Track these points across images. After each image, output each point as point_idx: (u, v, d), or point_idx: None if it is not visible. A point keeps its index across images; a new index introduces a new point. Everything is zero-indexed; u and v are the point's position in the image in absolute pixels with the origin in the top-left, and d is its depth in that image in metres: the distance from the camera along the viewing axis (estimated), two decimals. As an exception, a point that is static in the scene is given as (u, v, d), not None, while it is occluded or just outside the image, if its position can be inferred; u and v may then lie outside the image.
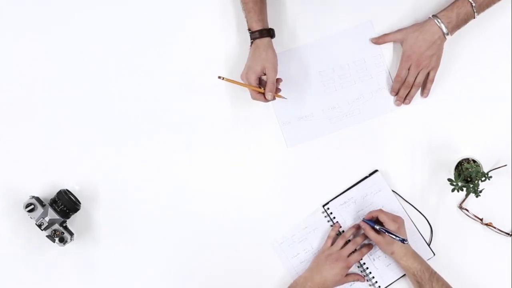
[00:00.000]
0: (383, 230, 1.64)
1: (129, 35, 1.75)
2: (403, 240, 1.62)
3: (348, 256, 1.68)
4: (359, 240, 1.70)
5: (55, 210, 1.66)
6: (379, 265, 1.72)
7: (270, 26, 1.68)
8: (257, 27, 1.65)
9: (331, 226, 1.74)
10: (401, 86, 1.74)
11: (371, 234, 1.67)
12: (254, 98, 1.68)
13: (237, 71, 1.68)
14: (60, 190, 1.69)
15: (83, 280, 1.73)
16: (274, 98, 1.65)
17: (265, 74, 1.65)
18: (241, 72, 1.67)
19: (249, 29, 1.67)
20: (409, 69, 1.71)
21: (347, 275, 1.69)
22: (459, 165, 1.68)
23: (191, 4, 1.75)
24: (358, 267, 1.73)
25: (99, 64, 1.74)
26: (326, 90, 1.75)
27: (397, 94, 1.75)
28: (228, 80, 1.65)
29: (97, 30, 1.75)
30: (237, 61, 1.73)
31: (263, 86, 1.65)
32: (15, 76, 1.75)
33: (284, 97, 1.71)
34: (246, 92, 1.72)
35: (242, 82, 1.67)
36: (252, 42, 1.66)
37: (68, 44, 1.75)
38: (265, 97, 1.65)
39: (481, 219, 1.72)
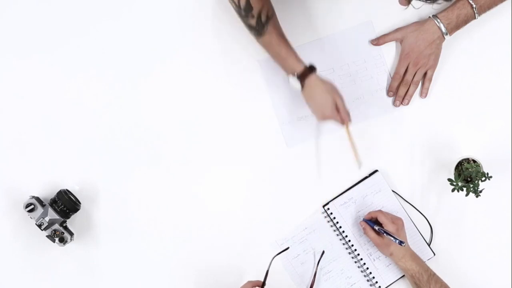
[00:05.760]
0: (382, 231, 1.64)
1: (131, 43, 1.75)
2: (400, 243, 1.62)
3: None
4: None
5: (55, 210, 1.66)
6: (379, 265, 1.72)
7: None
8: (300, 67, 1.61)
9: (331, 226, 1.74)
10: (399, 85, 1.73)
11: (370, 234, 1.67)
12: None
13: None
14: (60, 190, 1.69)
15: (83, 280, 1.73)
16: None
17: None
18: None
19: (292, 74, 1.62)
20: (407, 68, 1.72)
21: None
22: (459, 165, 1.68)
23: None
24: (358, 267, 1.73)
25: (98, 64, 1.74)
26: (326, 90, 1.75)
27: (394, 94, 1.75)
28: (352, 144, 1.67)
29: (98, 31, 1.75)
30: (238, 61, 1.74)
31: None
32: (15, 76, 1.74)
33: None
34: (245, 92, 1.72)
35: (320, 121, 1.67)
36: (302, 86, 1.62)
37: (67, 43, 1.74)
38: (343, 123, 1.64)
39: None
